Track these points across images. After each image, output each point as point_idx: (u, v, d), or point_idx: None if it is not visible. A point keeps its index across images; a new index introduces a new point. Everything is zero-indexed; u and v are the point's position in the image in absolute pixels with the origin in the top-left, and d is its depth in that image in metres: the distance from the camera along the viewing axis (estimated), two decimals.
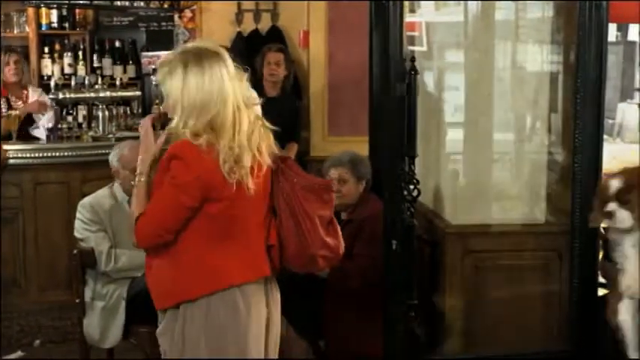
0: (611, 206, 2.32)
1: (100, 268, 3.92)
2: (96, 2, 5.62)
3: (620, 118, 7.36)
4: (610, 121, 9.07)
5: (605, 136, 3.87)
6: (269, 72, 5.70)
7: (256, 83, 5.51)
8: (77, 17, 6.85)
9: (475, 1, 3.88)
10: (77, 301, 4.00)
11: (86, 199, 4.09)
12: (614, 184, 2.34)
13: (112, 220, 3.99)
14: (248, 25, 6.51)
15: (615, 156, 6.87)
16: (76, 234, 4.02)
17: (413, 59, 3.72)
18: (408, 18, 4.21)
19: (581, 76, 3.62)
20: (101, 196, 4.07)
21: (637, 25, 8.37)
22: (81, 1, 5.67)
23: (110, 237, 3.97)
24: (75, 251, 3.99)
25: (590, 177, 3.68)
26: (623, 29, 8.86)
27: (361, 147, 4.37)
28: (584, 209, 3.67)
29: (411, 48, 4.31)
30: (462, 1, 3.96)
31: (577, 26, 3.61)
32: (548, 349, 3.82)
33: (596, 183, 3.73)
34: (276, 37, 6.41)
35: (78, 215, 4.01)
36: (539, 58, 4.01)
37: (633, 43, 8.47)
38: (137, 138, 2.99)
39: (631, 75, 8.49)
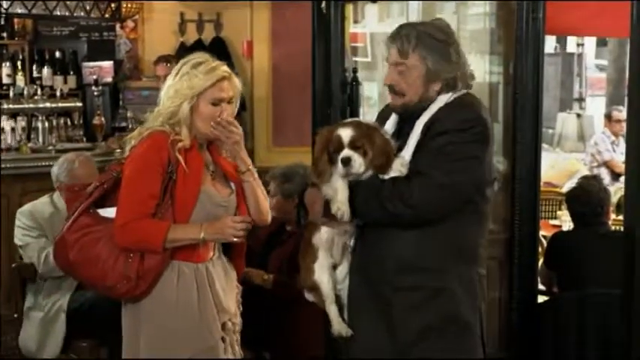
0: (347, 152, 2.41)
1: (41, 269, 3.83)
2: (35, 12, 5.51)
3: (559, 128, 7.50)
4: (550, 131, 9.24)
5: (545, 146, 3.95)
6: None
7: None
8: (16, 27, 6.70)
9: (417, 12, 3.93)
10: (15, 316, 3.92)
11: (25, 207, 4.03)
12: (347, 134, 2.43)
13: (53, 227, 3.90)
14: (191, 36, 6.48)
15: (554, 165, 7.00)
16: (16, 241, 3.94)
17: (355, 70, 3.74)
18: (353, 29, 4.24)
19: (519, 87, 3.69)
20: (41, 203, 4.00)
21: (575, 38, 8.56)
22: (19, 10, 5.56)
23: (52, 242, 3.90)
24: (14, 265, 3.91)
25: (530, 186, 3.76)
26: (561, 41, 9.05)
27: (306, 157, 4.36)
28: (524, 218, 3.75)
29: (355, 59, 4.34)
30: (404, 12, 4.00)
31: (514, 38, 3.67)
32: (488, 356, 3.86)
33: (536, 192, 3.81)
34: (219, 47, 6.39)
35: (17, 223, 3.94)
36: (480, 69, 4.07)
37: (571, 54, 8.64)
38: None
39: (570, 85, 8.67)
